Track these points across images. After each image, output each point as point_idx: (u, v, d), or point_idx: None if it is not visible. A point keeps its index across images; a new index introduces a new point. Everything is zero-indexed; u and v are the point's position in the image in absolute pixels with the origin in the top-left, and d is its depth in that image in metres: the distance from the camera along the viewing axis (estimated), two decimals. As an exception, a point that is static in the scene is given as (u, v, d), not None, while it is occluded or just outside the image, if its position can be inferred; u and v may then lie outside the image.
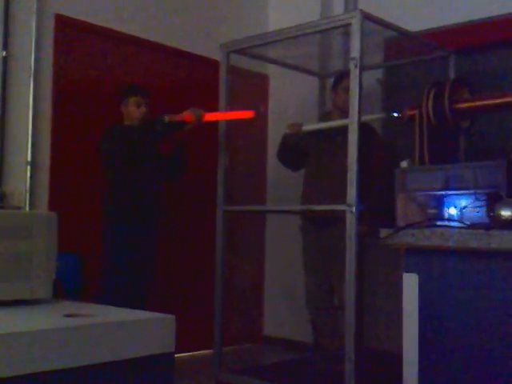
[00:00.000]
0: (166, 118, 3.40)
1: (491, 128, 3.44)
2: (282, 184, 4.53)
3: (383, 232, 2.08)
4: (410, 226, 1.98)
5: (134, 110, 3.58)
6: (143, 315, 1.49)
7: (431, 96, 3.13)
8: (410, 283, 1.98)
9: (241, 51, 3.73)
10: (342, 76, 3.93)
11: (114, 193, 3.52)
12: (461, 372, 1.83)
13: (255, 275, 4.72)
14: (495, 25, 3.58)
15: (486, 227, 1.86)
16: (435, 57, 3.77)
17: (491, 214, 1.94)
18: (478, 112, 3.18)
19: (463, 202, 2.97)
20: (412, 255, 2.00)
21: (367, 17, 3.13)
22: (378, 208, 3.44)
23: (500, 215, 1.86)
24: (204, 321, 3.85)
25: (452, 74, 3.70)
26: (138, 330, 1.39)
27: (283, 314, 4.60)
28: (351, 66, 3.10)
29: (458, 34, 3.72)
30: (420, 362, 1.94)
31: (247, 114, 3.67)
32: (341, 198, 3.15)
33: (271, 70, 4.64)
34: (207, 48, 4.26)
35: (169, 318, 1.45)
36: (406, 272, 2.00)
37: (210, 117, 3.58)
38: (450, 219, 2.70)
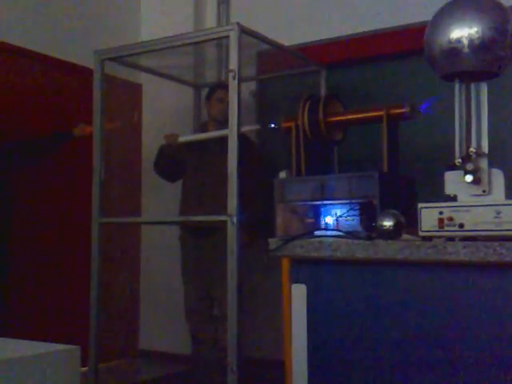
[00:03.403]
0: None
1: (363, 140, 3.62)
2: (158, 194, 4.48)
3: (272, 243, 2.12)
4: (298, 236, 2.02)
5: None
6: (44, 348, 1.28)
7: (306, 109, 3.24)
8: (299, 294, 2.03)
9: (115, 59, 3.64)
10: (216, 87, 3.97)
11: None
12: (349, 378, 1.90)
13: (129, 287, 4.61)
14: (363, 41, 3.78)
15: (371, 237, 1.95)
16: (308, 71, 3.90)
17: (373, 224, 2.03)
18: (350, 125, 3.33)
19: (338, 212, 3.11)
20: (299, 266, 2.05)
21: (244, 30, 3.18)
22: (256, 218, 3.50)
23: (382, 225, 1.95)
24: (77, 337, 3.71)
25: (323, 88, 3.85)
26: (39, 366, 1.20)
27: (160, 327, 4.53)
28: (229, 78, 3.12)
29: (329, 49, 3.88)
30: (309, 371, 2.00)
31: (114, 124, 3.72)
32: (220, 208, 3.17)
33: (144, 80, 4.57)
34: (77, 55, 4.12)
35: (73, 349, 1.28)
36: (294, 283, 2.04)
37: None
38: (330, 229, 2.82)
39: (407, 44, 3.58)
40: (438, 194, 2.40)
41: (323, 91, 3.82)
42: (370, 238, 1.96)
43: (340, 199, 3.03)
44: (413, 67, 3.62)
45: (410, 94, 3.54)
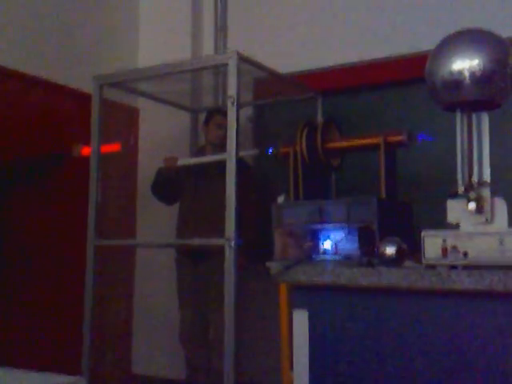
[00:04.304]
0: None
1: (360, 165, 3.65)
2: (153, 216, 4.47)
3: (274, 268, 2.13)
4: (301, 262, 2.03)
5: None
6: (50, 379, 1.25)
7: (304, 135, 3.28)
8: (300, 320, 2.04)
9: (114, 85, 3.67)
10: (214, 112, 4.01)
11: None
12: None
13: (123, 311, 4.58)
14: (359, 69, 3.84)
15: (373, 264, 1.97)
16: (304, 97, 3.95)
17: (375, 250, 2.05)
18: (347, 151, 3.37)
19: (337, 236, 3.13)
20: (301, 291, 2.06)
21: (243, 58, 3.22)
22: (253, 241, 3.52)
23: (385, 252, 1.97)
24: (69, 361, 3.68)
25: (319, 114, 3.89)
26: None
27: (154, 351, 4.49)
28: (228, 104, 3.15)
29: (326, 77, 3.94)
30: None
31: (114, 147, 3.73)
32: (217, 231, 3.18)
33: (142, 104, 4.59)
34: (76, 80, 4.15)
35: (79, 381, 1.25)
36: (296, 308, 2.05)
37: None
38: (332, 253, 2.84)
39: (403, 72, 3.65)
40: (435, 220, 2.43)
41: (320, 118, 3.87)
42: (372, 265, 1.98)
43: (338, 224, 3.05)
44: (409, 95, 3.69)
45: (406, 122, 3.60)
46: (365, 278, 1.89)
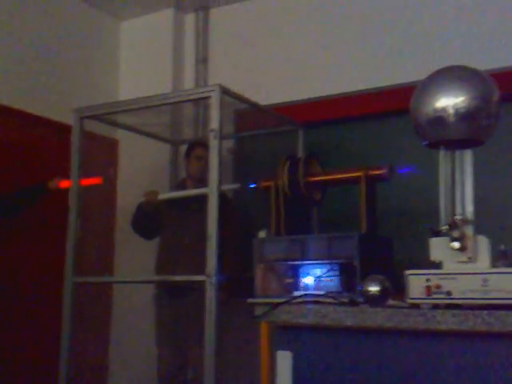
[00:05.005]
0: None
1: (341, 199, 3.64)
2: (130, 251, 4.39)
3: (258, 309, 2.09)
4: (285, 302, 1.99)
5: None
6: None
7: (286, 169, 3.27)
8: (284, 361, 1.99)
9: (95, 117, 3.63)
10: (194, 144, 3.99)
11: None
12: None
13: (99, 350, 4.43)
14: (340, 102, 3.86)
15: (356, 303, 1.94)
16: (285, 130, 3.95)
17: (359, 288, 2.03)
18: (329, 185, 3.36)
19: (318, 272, 3.11)
20: (285, 332, 2.01)
21: (225, 91, 3.22)
22: (234, 277, 3.47)
23: (368, 290, 1.94)
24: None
25: (300, 147, 3.89)
26: None
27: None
28: (211, 137, 3.13)
29: (306, 109, 3.95)
30: None
31: (95, 181, 3.68)
32: (197, 267, 3.13)
33: (121, 135, 4.55)
34: (57, 112, 4.11)
35: None
36: (280, 350, 2.00)
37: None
38: (310, 289, 2.81)
39: (385, 105, 3.67)
40: (415, 255, 2.40)
41: (300, 150, 3.86)
42: (355, 304, 1.95)
43: (319, 259, 3.03)
44: (391, 128, 3.70)
45: (388, 155, 3.60)
46: (351, 318, 1.85)
